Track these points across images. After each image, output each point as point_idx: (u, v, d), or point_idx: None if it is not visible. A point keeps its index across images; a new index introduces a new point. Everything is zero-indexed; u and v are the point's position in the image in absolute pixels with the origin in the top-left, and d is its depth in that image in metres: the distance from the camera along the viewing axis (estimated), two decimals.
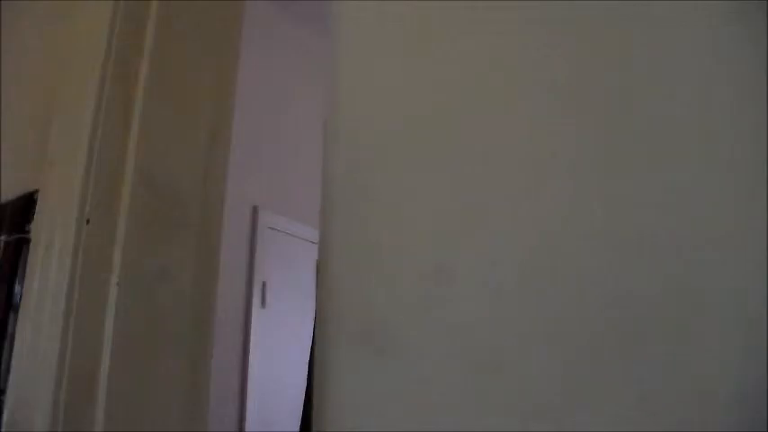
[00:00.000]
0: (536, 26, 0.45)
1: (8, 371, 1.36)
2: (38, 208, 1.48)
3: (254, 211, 2.91)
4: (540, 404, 0.37)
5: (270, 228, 2.95)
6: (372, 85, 0.54)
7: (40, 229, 1.43)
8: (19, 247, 1.53)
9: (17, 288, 1.49)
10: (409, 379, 0.43)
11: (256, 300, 2.81)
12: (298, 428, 0.81)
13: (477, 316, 0.41)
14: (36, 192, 1.53)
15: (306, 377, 0.82)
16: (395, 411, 0.43)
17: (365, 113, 0.53)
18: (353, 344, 0.46)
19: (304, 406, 0.81)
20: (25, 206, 1.57)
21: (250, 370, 2.68)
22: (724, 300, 0.34)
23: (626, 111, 0.40)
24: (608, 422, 0.35)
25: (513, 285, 0.40)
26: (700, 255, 0.35)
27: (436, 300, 0.43)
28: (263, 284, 2.85)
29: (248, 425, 2.60)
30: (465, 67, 0.48)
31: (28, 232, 1.50)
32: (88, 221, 1.28)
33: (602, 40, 0.43)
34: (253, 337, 2.73)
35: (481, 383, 0.40)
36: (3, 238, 1.60)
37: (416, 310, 0.44)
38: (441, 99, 0.49)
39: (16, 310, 1.44)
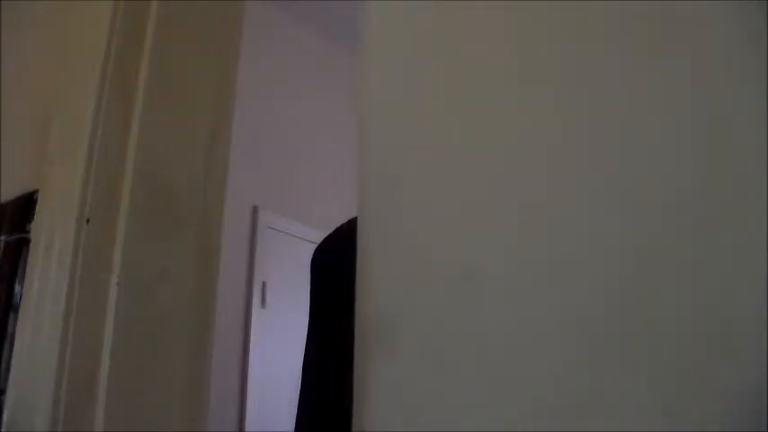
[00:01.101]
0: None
1: (8, 371, 1.36)
2: (38, 208, 1.48)
3: (254, 211, 2.91)
4: (556, 405, 0.37)
5: (270, 228, 2.95)
6: (405, 79, 0.53)
7: (40, 228, 1.43)
8: (19, 247, 1.53)
9: (17, 288, 1.49)
10: (435, 381, 0.43)
11: (256, 300, 2.81)
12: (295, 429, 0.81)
13: (503, 317, 0.40)
14: (36, 192, 1.53)
15: (301, 378, 0.81)
16: (424, 413, 0.43)
17: (398, 109, 0.52)
18: (383, 344, 0.46)
19: (301, 407, 0.81)
20: (25, 206, 1.57)
21: (250, 370, 2.68)
22: (725, 300, 0.34)
23: (633, 112, 0.40)
24: (610, 423, 0.35)
25: (538, 287, 0.40)
26: (703, 255, 0.35)
27: (464, 301, 0.43)
28: (263, 284, 2.86)
29: (248, 425, 2.60)
30: (505, 62, 0.47)
31: (28, 232, 1.50)
32: (88, 221, 1.28)
33: (604, 40, 0.43)
34: (253, 337, 2.74)
35: (504, 385, 0.39)
36: (3, 238, 1.60)
37: (444, 310, 0.44)
38: (473, 96, 0.48)
39: (16, 310, 1.44)
